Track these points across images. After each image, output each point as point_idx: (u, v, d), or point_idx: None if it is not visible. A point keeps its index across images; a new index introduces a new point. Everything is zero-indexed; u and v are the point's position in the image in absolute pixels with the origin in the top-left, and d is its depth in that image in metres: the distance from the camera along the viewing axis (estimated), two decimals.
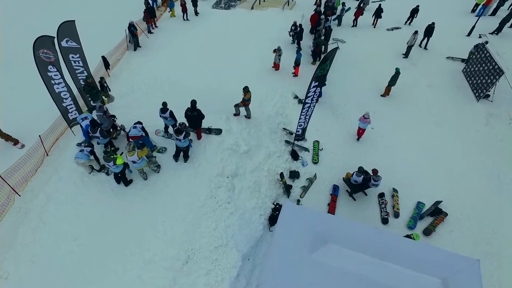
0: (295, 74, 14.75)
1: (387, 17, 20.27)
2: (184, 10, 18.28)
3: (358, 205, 10.28)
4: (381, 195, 10.40)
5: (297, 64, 14.20)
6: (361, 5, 20.86)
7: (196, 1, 19.01)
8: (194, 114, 8.58)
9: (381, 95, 14.18)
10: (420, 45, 16.95)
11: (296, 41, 16.21)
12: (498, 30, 18.32)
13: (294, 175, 10.66)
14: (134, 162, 7.72)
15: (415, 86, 14.88)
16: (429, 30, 16.03)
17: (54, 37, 8.84)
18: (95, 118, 9.07)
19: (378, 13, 19.57)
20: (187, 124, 8.98)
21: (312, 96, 9.37)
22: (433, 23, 15.70)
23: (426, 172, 11.20)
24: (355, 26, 19.01)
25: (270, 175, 9.97)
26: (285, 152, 11.07)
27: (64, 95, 9.49)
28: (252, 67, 14.94)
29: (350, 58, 16.38)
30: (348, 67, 15.88)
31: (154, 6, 20.39)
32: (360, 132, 12.01)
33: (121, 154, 8.36)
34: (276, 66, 14.87)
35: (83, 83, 9.96)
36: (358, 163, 11.18)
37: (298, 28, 15.51)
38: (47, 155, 10.48)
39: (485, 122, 13.25)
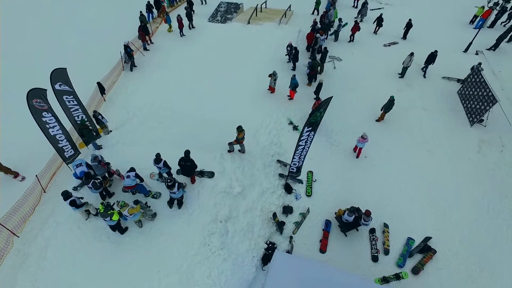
0: (291, 98, 14.77)
1: (384, 29, 20.20)
2: (181, 26, 18.11)
3: (350, 241, 10.53)
4: (372, 231, 10.64)
5: (293, 89, 14.20)
6: (358, 20, 20.73)
7: (191, 16, 18.81)
8: (188, 164, 8.72)
9: (376, 120, 14.25)
10: (422, 70, 16.64)
11: (292, 61, 16.14)
12: (495, 46, 18.27)
13: (287, 210, 10.87)
14: (127, 216, 7.91)
15: (410, 109, 14.94)
16: (431, 58, 15.73)
17: (46, 90, 8.90)
18: (89, 162, 9.19)
19: (379, 22, 19.64)
20: (181, 170, 9.14)
21: (305, 140, 9.47)
22: (436, 52, 15.45)
23: (417, 205, 11.42)
24: (352, 41, 18.90)
25: (263, 214, 10.19)
26: (279, 186, 11.25)
27: (59, 137, 9.60)
28: (248, 89, 15.01)
29: (346, 78, 16.39)
30: (343, 88, 15.89)
31: (150, 19, 20.20)
32: (358, 151, 12.49)
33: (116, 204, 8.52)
34: (272, 89, 14.89)
35: (79, 128, 10.05)
36: (351, 195, 11.44)
37: (294, 50, 15.40)
38: (44, 192, 10.65)
39: (477, 149, 13.39)
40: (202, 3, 23.77)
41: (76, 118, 10.46)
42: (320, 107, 8.88)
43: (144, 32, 16.95)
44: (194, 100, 14.12)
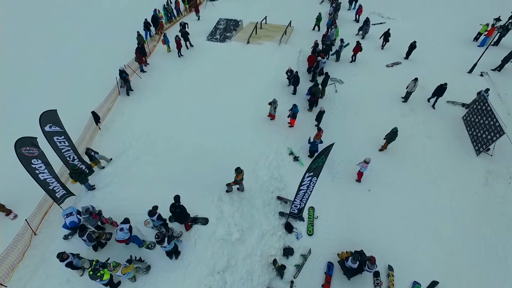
0: (291, 125, 14.36)
1: (387, 45, 19.84)
2: (179, 46, 17.70)
3: (353, 286, 10.10)
4: (376, 274, 10.22)
5: (293, 117, 13.79)
6: (360, 37, 20.35)
7: (187, 35, 18.39)
8: (178, 211, 8.30)
9: (379, 150, 13.82)
10: (428, 101, 16.09)
11: (292, 86, 15.74)
12: (500, 67, 17.86)
13: (288, 252, 10.44)
14: (120, 276, 7.49)
15: (414, 136, 14.53)
16: (440, 91, 15.01)
17: (36, 138, 8.50)
18: (80, 209, 8.79)
19: (386, 37, 19.48)
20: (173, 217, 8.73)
21: (307, 184, 9.06)
22: (445, 84, 14.74)
23: (422, 245, 11.00)
24: (354, 61, 18.47)
25: (263, 259, 9.77)
26: (279, 227, 10.83)
27: (49, 180, 9.21)
28: (247, 114, 14.69)
29: (348, 102, 15.98)
30: (345, 113, 15.48)
31: (148, 37, 19.81)
32: (359, 174, 12.23)
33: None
34: (272, 116, 14.50)
35: (70, 172, 9.65)
36: (354, 234, 11.03)
37: (294, 75, 14.99)
38: (35, 235, 10.24)
39: (483, 181, 12.96)
40: (198, 19, 23.33)
41: (68, 158, 10.04)
42: (321, 154, 8.47)
43: (141, 55, 16.53)
44: (192, 126, 13.81)
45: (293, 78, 15.19)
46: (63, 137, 9.64)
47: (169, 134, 13.48)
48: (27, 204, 10.01)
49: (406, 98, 15.88)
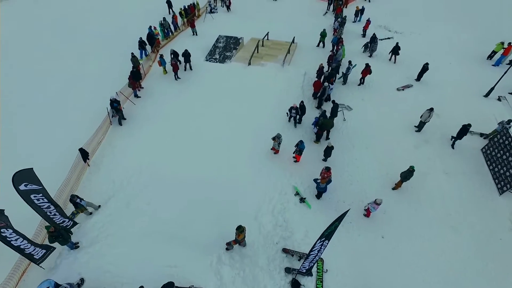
0: (297, 160, 13.22)
1: (395, 64, 18.70)
2: (175, 69, 16.57)
3: None
4: None
5: (299, 154, 12.66)
6: (367, 55, 19.24)
7: (189, 57, 17.27)
8: None
9: (393, 188, 12.67)
10: (451, 141, 14.34)
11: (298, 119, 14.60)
12: None
13: None
14: None
15: (429, 172, 13.38)
16: (464, 131, 13.58)
17: (4, 209, 7.37)
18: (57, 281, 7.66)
19: (395, 50, 18.81)
20: None
21: (318, 249, 7.93)
22: (469, 125, 13.35)
23: None
24: (362, 84, 17.30)
25: None
26: (285, 286, 9.66)
27: (24, 246, 8.07)
28: (249, 147, 13.67)
29: (357, 132, 14.84)
30: (354, 145, 14.34)
31: (143, 56, 18.69)
32: (369, 213, 11.43)
33: None
34: (276, 151, 13.36)
35: (47, 233, 8.50)
36: None
37: (300, 106, 13.86)
38: None
39: (509, 225, 11.80)
40: (193, 34, 22.18)
41: (49, 214, 8.91)
42: (335, 221, 7.37)
43: (134, 80, 15.40)
44: (187, 163, 12.73)
45: (300, 114, 14.05)
46: (41, 194, 8.52)
47: (162, 174, 12.39)
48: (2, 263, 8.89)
49: (419, 127, 14.74)
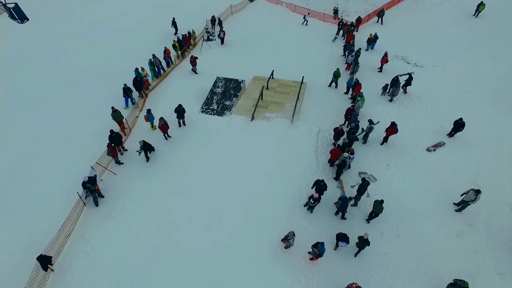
0: (313, 259, 10.56)
1: (421, 107, 16.31)
2: (164, 129, 13.90)
3: None
4: None
5: (318, 257, 10.00)
6: (388, 98, 16.61)
7: (183, 113, 14.60)
8: None
9: None
10: None
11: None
12: None
13: None
14: None
15: (479, 273, 10.72)
16: None
17: None
18: None
19: (408, 81, 17.27)
20: None
21: None
22: None
23: None
24: (386, 142, 14.59)
25: None
26: None
27: None
28: (253, 236, 11.11)
29: (384, 212, 12.06)
30: (383, 234, 11.70)
31: (129, 104, 16.02)
32: None
33: None
34: (287, 246, 10.71)
35: None
36: None
37: (317, 183, 11.25)
38: None
39: None
40: (194, 72, 19.53)
41: None
42: None
43: (114, 148, 12.74)
44: (176, 260, 10.29)
45: (316, 185, 11.43)
46: None
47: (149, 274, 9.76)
48: None
49: (461, 207, 12.07)
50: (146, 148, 12.63)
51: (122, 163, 13.59)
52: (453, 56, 21.33)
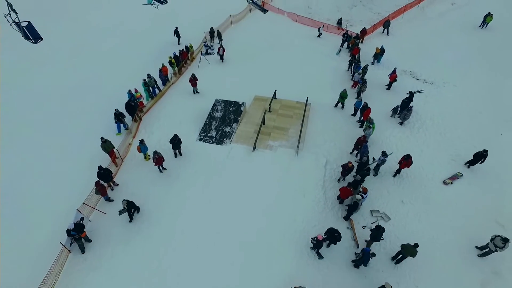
0: None
1: (430, 132, 15.22)
2: (159, 163, 12.77)
3: None
4: None
5: None
6: (398, 121, 15.49)
7: (179, 144, 13.47)
8: None
9: None
10: None
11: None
12: None
13: None
14: None
15: None
16: None
17: None
18: None
19: (410, 98, 15.99)
20: None
21: None
22: None
23: None
24: (399, 173, 13.46)
25: None
26: None
27: None
28: None
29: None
30: (400, 284, 10.49)
31: (121, 130, 14.88)
32: None
33: None
34: None
35: None
36: None
37: (328, 233, 10.14)
38: None
39: None
40: (194, 92, 18.41)
41: None
42: None
43: (103, 186, 11.61)
44: None
45: (328, 234, 10.30)
46: None
47: None
48: None
49: (485, 253, 10.93)
50: (130, 207, 11.31)
51: (113, 200, 12.46)
52: (464, 71, 20.23)
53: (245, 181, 12.91)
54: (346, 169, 12.08)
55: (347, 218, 11.83)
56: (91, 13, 25.76)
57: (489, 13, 23.12)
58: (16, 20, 8.58)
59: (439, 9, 27.79)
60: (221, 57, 21.04)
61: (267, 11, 22.12)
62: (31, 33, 8.83)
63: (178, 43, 22.93)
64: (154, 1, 12.73)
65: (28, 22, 8.85)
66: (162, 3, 12.65)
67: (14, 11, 8.52)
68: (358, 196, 10.95)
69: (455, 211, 12.35)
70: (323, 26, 25.41)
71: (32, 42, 8.98)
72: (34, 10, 20.95)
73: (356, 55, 21.80)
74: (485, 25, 23.52)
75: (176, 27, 22.79)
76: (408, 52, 22.65)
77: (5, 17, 8.50)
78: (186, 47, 21.17)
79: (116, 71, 19.14)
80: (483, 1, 26.31)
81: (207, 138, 14.70)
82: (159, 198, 12.56)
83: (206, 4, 27.72)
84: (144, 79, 17.15)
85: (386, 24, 25.24)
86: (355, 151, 14.00)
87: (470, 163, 13.51)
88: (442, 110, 17.20)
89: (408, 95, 16.07)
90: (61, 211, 11.38)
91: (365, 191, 11.25)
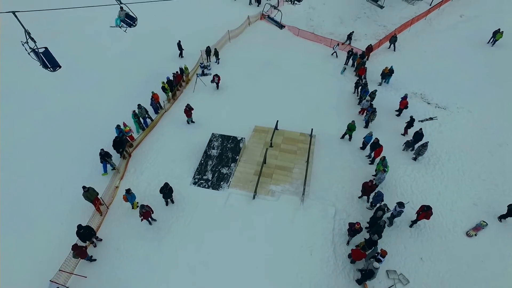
0: None
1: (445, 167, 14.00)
2: (146, 216, 11.32)
3: None
4: None
5: None
6: (412, 157, 14.16)
7: (171, 193, 12.03)
8: None
9: None
10: None
11: None
12: None
13: None
14: None
15: None
16: None
17: None
18: None
19: (411, 123, 15.62)
20: None
21: None
22: None
23: None
24: (416, 223, 12.03)
25: None
26: None
27: None
28: None
29: None
30: None
31: (107, 170, 13.42)
32: None
33: None
34: None
35: None
36: None
37: None
38: None
39: None
40: (188, 123, 16.95)
41: None
42: None
43: (82, 251, 10.14)
44: None
45: None
46: None
47: None
48: None
49: None
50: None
51: (95, 260, 10.99)
52: (478, 94, 18.88)
53: (245, 236, 11.52)
54: (353, 229, 10.61)
55: (360, 282, 10.37)
56: (77, 43, 23.30)
57: (499, 29, 21.77)
58: (35, 49, 8.14)
59: (447, 21, 26.42)
60: (217, 85, 19.50)
61: (284, 27, 20.76)
62: (49, 61, 8.53)
63: (181, 56, 22.26)
64: (122, 23, 11.51)
65: (45, 48, 8.40)
66: (130, 26, 11.40)
67: (32, 39, 7.95)
68: (376, 264, 9.51)
69: (482, 270, 10.98)
70: (338, 45, 23.91)
71: (50, 71, 8.60)
72: None
73: (363, 75, 20.40)
74: (495, 42, 22.19)
75: (179, 41, 21.81)
76: (417, 71, 21.30)
77: (23, 45, 8.00)
78: (181, 68, 19.73)
79: (104, 102, 17.58)
80: (492, 14, 24.98)
81: (202, 181, 13.24)
82: (147, 257, 11.10)
83: (203, 19, 26.26)
84: (134, 111, 15.68)
85: (392, 39, 23.88)
86: (367, 198, 12.54)
87: (503, 217, 12.03)
88: (458, 142, 15.81)
89: (420, 125, 14.79)
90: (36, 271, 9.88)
91: (384, 254, 9.79)
